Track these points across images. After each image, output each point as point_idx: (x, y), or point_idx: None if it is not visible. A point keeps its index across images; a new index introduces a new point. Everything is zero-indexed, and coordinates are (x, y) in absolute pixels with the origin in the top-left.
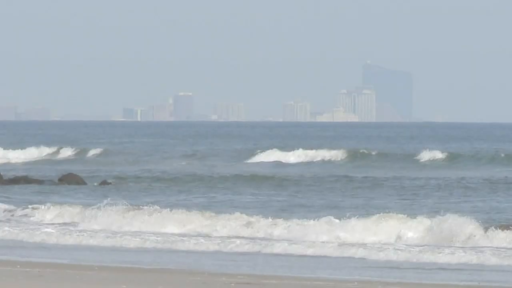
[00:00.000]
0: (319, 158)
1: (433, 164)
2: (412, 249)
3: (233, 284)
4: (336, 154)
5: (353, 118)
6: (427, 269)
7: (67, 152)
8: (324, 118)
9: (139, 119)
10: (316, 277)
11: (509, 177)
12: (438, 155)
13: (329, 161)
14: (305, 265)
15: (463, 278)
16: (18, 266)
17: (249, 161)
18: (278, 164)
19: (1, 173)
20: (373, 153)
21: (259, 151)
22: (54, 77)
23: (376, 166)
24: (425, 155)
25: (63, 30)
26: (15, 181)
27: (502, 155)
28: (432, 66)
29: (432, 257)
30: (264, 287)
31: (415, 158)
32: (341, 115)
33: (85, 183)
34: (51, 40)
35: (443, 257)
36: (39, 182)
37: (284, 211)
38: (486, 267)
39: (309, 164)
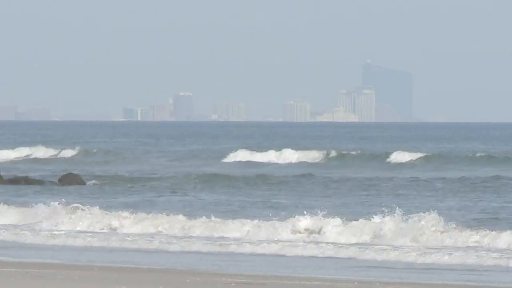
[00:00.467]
0: (293, 158)
1: (406, 164)
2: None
3: (233, 284)
4: (309, 155)
5: (353, 118)
6: (419, 269)
7: (44, 152)
8: (324, 118)
9: (139, 119)
10: (316, 277)
11: (473, 176)
12: (412, 155)
13: (303, 162)
14: (304, 264)
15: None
16: (18, 266)
17: (223, 161)
18: (248, 164)
19: (1, 174)
20: (353, 153)
21: (233, 151)
22: (54, 77)
23: (349, 166)
24: (399, 156)
25: (63, 30)
26: (15, 181)
27: (478, 154)
28: (432, 66)
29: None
30: (264, 287)
31: (389, 159)
32: (341, 115)
33: (84, 183)
34: (51, 40)
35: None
36: (40, 182)
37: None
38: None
39: (280, 164)
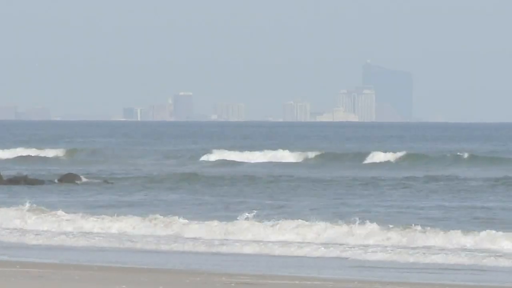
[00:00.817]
0: (265, 158)
1: (381, 164)
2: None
3: (233, 284)
4: (286, 155)
5: (353, 118)
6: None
7: (28, 152)
8: (324, 118)
9: (139, 119)
10: (316, 277)
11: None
12: (389, 156)
13: (278, 162)
14: (304, 264)
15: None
16: (18, 266)
17: (200, 160)
18: (222, 163)
19: (1, 173)
20: (331, 153)
21: (211, 151)
22: (54, 77)
23: (324, 166)
24: (375, 156)
25: (63, 30)
26: (15, 181)
27: (458, 153)
28: (432, 66)
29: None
30: (264, 287)
31: (366, 158)
32: (341, 115)
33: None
34: (51, 40)
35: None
36: (39, 182)
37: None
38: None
39: (253, 164)
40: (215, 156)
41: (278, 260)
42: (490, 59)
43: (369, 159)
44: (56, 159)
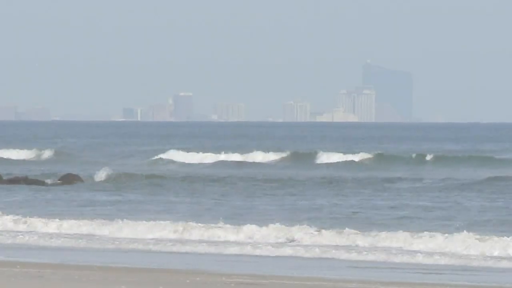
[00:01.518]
0: (214, 158)
1: (326, 165)
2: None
3: (233, 284)
4: (239, 156)
5: (353, 118)
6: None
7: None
8: (324, 118)
9: (139, 119)
10: (316, 277)
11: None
12: (339, 157)
13: (226, 162)
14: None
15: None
16: (18, 266)
17: (151, 159)
18: (173, 163)
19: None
20: (282, 153)
21: (165, 151)
22: (54, 77)
23: (272, 167)
24: (324, 157)
25: (63, 30)
26: (15, 181)
27: (414, 155)
28: (432, 66)
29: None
30: (264, 287)
31: (316, 159)
32: (341, 115)
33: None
34: (51, 40)
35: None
36: (40, 182)
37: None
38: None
39: (205, 164)
40: (167, 156)
41: (278, 260)
42: (490, 59)
43: (319, 160)
44: (14, 160)
